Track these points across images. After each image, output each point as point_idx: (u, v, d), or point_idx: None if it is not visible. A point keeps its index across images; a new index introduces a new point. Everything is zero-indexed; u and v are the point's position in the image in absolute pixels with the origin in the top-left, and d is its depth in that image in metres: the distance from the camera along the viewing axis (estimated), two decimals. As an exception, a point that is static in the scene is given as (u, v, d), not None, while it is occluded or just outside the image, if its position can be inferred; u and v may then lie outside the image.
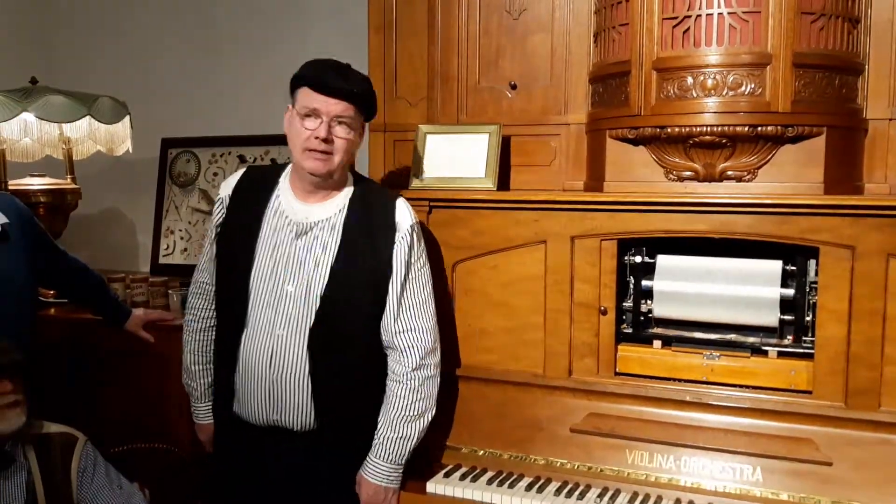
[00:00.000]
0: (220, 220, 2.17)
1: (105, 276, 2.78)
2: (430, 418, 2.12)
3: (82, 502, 2.01)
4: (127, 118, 3.28)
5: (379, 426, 2.09)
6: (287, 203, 2.12)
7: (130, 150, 3.36)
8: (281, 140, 2.35)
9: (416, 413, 2.08)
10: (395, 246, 2.06)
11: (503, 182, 2.47)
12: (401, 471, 2.11)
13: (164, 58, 3.82)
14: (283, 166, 2.21)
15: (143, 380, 2.80)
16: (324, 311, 2.02)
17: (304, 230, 2.07)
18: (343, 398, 2.06)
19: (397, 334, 2.08)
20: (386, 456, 2.07)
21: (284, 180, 2.15)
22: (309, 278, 2.04)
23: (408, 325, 2.08)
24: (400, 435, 2.07)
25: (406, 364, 2.08)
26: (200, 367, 2.25)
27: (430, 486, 2.16)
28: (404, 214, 2.10)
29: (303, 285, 2.04)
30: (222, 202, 2.18)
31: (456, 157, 2.45)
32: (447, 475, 2.20)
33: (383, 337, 2.10)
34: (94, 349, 2.89)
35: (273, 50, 3.58)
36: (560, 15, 2.43)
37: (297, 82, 2.04)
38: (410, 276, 2.09)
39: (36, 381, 2.02)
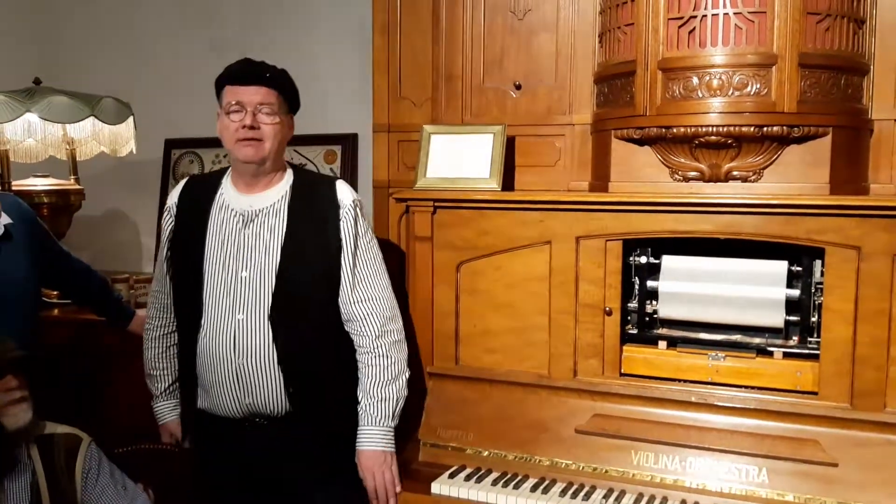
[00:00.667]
0: (170, 227, 2.23)
1: (109, 276, 2.78)
2: (405, 380, 2.18)
3: (87, 503, 2.01)
4: (130, 119, 3.28)
5: (360, 399, 2.15)
6: (231, 197, 2.18)
7: (134, 151, 3.36)
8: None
9: (389, 377, 2.14)
10: (341, 221, 2.12)
11: (508, 182, 2.47)
12: (392, 434, 2.16)
13: (167, 58, 3.81)
14: (225, 169, 2.28)
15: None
16: (280, 291, 2.07)
17: (249, 218, 2.13)
18: (311, 374, 2.11)
19: (355, 304, 2.13)
20: (372, 421, 2.13)
21: (227, 179, 2.22)
22: (261, 262, 2.09)
23: (364, 294, 2.14)
24: (379, 398, 2.13)
25: (368, 334, 2.14)
26: (160, 370, 2.33)
27: (435, 487, 2.16)
28: (345, 193, 2.16)
29: (257, 270, 2.09)
30: (170, 211, 2.24)
31: (460, 158, 2.45)
32: (452, 476, 2.20)
33: (342, 310, 2.15)
34: (98, 350, 2.89)
35: (277, 50, 3.53)
36: (565, 15, 2.43)
37: (218, 85, 2.13)
38: (360, 248, 2.14)
39: (39, 381, 2.02)
